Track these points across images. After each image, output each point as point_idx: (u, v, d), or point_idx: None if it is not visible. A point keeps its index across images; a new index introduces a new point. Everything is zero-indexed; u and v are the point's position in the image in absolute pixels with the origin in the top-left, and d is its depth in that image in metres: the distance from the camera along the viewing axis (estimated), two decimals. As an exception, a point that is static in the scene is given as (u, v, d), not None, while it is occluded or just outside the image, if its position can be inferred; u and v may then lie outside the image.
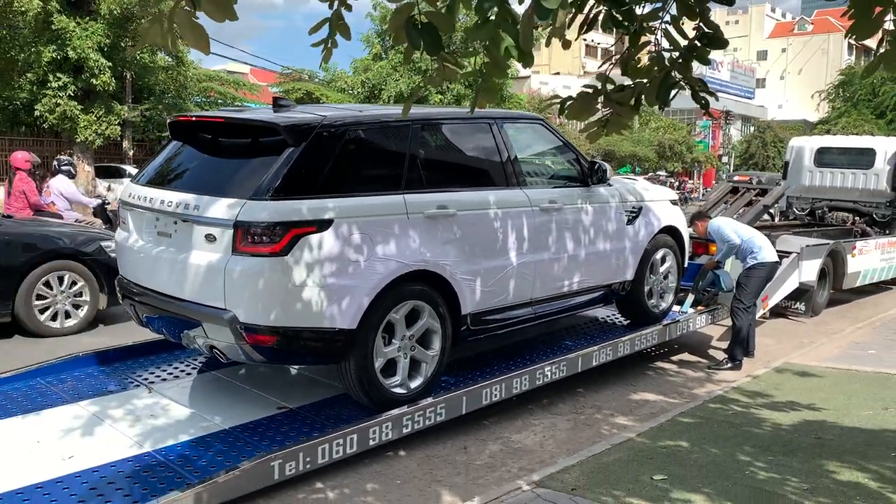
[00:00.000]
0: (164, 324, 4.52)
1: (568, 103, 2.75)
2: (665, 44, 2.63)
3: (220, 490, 3.49)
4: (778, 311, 8.79)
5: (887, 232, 10.95)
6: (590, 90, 2.73)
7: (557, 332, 6.28)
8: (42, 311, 6.81)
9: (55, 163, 9.61)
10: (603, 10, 2.60)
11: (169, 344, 5.28)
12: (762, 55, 69.63)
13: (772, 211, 11.97)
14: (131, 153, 23.69)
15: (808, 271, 8.68)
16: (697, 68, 2.71)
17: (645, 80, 2.68)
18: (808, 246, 8.71)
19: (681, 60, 2.61)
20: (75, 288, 6.99)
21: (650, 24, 2.62)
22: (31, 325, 6.77)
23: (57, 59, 18.99)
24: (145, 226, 4.49)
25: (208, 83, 26.32)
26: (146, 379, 5.05)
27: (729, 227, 7.00)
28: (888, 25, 2.41)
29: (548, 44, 3.18)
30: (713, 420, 5.14)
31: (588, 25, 2.65)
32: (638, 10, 2.58)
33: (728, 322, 7.16)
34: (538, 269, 5.18)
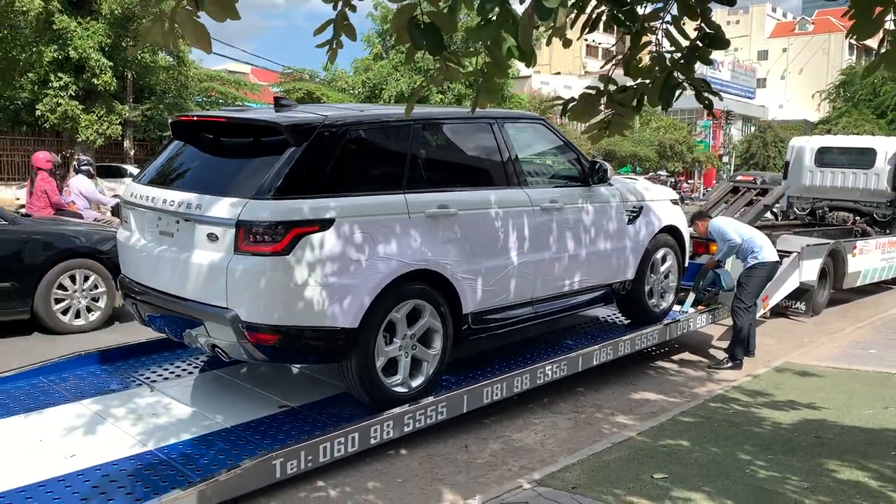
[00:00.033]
0: (166, 323, 4.53)
1: (570, 105, 2.75)
2: (666, 44, 2.64)
3: (221, 488, 3.50)
4: (778, 311, 8.80)
5: (888, 232, 10.95)
6: (592, 91, 2.74)
7: (558, 332, 6.28)
8: (60, 309, 6.93)
9: (75, 163, 9.87)
10: (605, 10, 2.60)
11: (171, 343, 5.29)
12: (763, 55, 69.63)
13: (774, 210, 11.97)
14: (132, 153, 23.73)
15: (809, 271, 8.69)
16: (698, 68, 2.71)
17: (647, 81, 2.69)
18: (808, 245, 8.72)
19: (683, 61, 2.61)
20: (91, 285, 7.11)
21: (651, 24, 2.63)
22: (50, 322, 6.88)
23: (58, 59, 19.03)
24: (147, 225, 4.50)
25: (209, 83, 26.37)
26: (148, 378, 5.06)
27: (730, 227, 7.01)
28: (889, 25, 2.42)
29: (548, 43, 3.19)
30: (714, 419, 5.15)
31: (591, 26, 2.65)
32: (640, 10, 2.59)
33: (728, 321, 7.16)
34: (539, 269, 5.19)
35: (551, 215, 5.27)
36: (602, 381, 6.04)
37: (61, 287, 6.91)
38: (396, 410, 4.32)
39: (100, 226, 8.15)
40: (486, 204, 4.85)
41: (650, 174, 36.54)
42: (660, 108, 2.72)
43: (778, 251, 7.39)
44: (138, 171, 6.47)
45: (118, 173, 21.63)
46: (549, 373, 5.27)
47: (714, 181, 43.66)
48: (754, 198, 11.06)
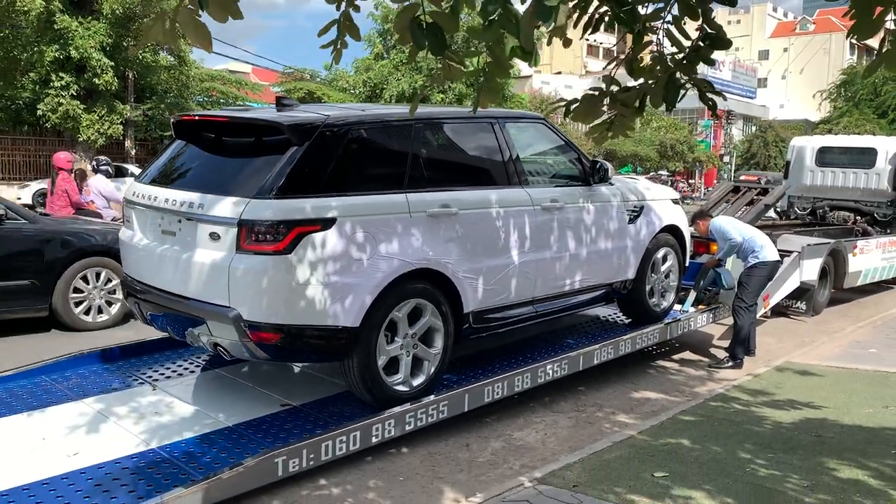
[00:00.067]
0: (168, 321, 4.54)
1: (573, 106, 2.75)
2: (667, 44, 2.65)
3: (224, 486, 3.51)
4: (779, 310, 8.80)
5: (888, 231, 10.96)
6: (595, 92, 2.74)
7: (559, 331, 6.30)
8: (78, 306, 7.05)
9: (94, 163, 10.09)
10: (606, 10, 2.61)
11: (173, 342, 5.32)
12: (764, 55, 69.54)
13: (777, 209, 11.98)
14: (133, 152, 23.74)
15: (810, 270, 8.70)
16: (699, 68, 2.72)
17: (650, 81, 2.69)
18: (809, 245, 8.72)
19: (685, 62, 2.62)
20: (109, 284, 7.22)
21: (652, 24, 2.63)
22: (68, 320, 7.01)
23: (59, 59, 19.04)
24: (150, 224, 4.52)
25: (210, 83, 26.38)
26: (150, 376, 5.07)
27: (731, 226, 7.02)
28: (889, 25, 2.42)
29: (549, 43, 3.22)
30: (714, 418, 5.16)
31: (594, 27, 2.66)
32: (641, 10, 2.59)
33: (729, 321, 7.17)
34: (540, 268, 5.20)
35: (552, 215, 5.28)
36: (603, 379, 6.05)
37: (79, 285, 7.04)
38: (398, 409, 4.33)
39: (117, 225, 8.25)
40: (487, 203, 4.86)
41: (650, 174, 36.52)
42: (661, 108, 2.73)
43: (779, 251, 7.40)
44: (140, 170, 6.48)
45: (119, 173, 21.63)
46: (550, 372, 5.28)
47: (715, 181, 43.62)
48: (755, 197, 11.07)
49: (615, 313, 6.88)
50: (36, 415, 4.39)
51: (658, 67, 2.65)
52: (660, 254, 6.33)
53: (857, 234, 10.84)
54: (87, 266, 7.05)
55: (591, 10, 2.65)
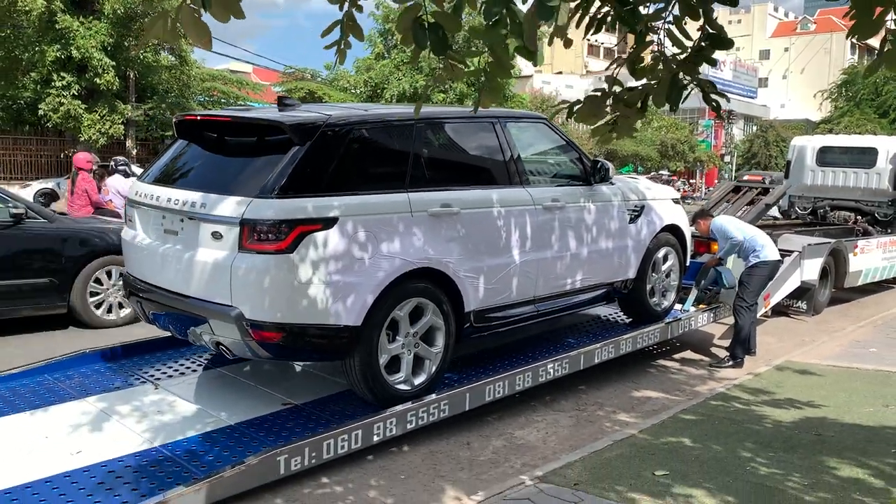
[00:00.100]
0: (170, 320, 4.56)
1: (577, 107, 2.76)
2: (668, 44, 2.65)
3: (226, 484, 3.52)
4: (780, 310, 8.81)
5: (889, 231, 10.96)
6: (598, 93, 2.75)
7: (560, 330, 6.31)
8: (95, 303, 7.14)
9: (112, 163, 10.12)
10: (608, 10, 2.61)
11: (175, 340, 5.33)
12: (765, 54, 69.48)
13: (779, 208, 11.98)
14: (134, 152, 23.74)
15: (810, 270, 8.71)
16: (701, 68, 2.73)
17: (653, 82, 2.70)
18: (809, 245, 8.73)
19: (687, 62, 2.62)
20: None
21: (654, 24, 2.64)
22: (85, 317, 7.10)
23: (61, 59, 19.06)
24: (152, 223, 4.53)
25: (211, 83, 26.37)
26: (152, 375, 5.09)
27: (732, 225, 7.03)
28: (890, 25, 2.43)
29: (550, 42, 3.20)
30: (715, 417, 5.17)
31: (596, 27, 2.66)
32: (643, 10, 2.60)
33: (730, 320, 7.18)
34: (541, 267, 5.21)
35: (553, 214, 5.29)
36: (604, 379, 6.06)
37: (96, 283, 7.13)
38: (399, 408, 4.34)
39: None
40: (488, 203, 4.87)
41: (651, 174, 36.50)
42: (664, 108, 2.73)
43: (779, 250, 7.41)
44: (141, 170, 6.49)
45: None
46: (551, 371, 5.29)
47: (716, 181, 43.60)
48: (756, 197, 11.07)
49: (616, 312, 6.89)
50: (39, 413, 4.41)
51: (660, 67, 2.66)
52: (660, 253, 6.34)
53: (857, 233, 10.84)
54: (104, 264, 7.15)
55: (592, 9, 2.65)
